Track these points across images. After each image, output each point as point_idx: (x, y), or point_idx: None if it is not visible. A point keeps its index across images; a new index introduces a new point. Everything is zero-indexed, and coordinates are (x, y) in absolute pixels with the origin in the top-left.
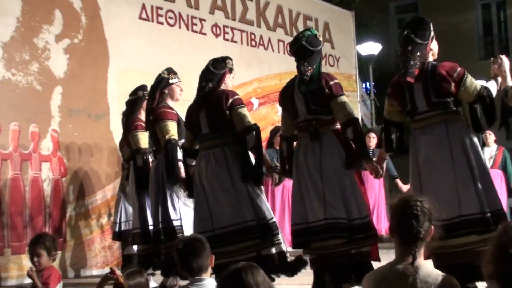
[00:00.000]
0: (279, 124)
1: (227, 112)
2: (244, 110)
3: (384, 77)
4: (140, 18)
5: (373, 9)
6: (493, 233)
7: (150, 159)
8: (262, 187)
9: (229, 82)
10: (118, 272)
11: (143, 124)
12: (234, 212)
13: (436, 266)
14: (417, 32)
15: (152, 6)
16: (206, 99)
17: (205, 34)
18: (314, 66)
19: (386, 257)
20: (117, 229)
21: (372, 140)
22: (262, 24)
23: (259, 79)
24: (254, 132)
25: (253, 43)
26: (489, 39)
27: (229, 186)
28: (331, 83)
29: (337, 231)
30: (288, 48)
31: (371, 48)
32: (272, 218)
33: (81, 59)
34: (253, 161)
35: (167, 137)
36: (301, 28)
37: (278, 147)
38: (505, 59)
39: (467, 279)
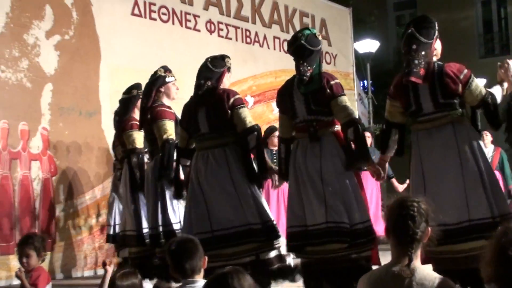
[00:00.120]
0: (274, 123)
1: (229, 111)
2: (245, 110)
3: (382, 75)
4: (133, 14)
5: (371, 5)
6: None
7: (146, 160)
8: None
9: (227, 82)
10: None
11: (138, 124)
12: (235, 214)
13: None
14: (421, 30)
15: (144, 2)
16: (205, 98)
17: (199, 30)
18: (314, 66)
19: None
20: (111, 232)
21: (367, 140)
22: (257, 21)
23: (254, 77)
24: (255, 133)
25: (248, 40)
26: (489, 37)
27: (230, 187)
28: (332, 82)
29: (339, 235)
30: (286, 47)
31: (369, 45)
32: (273, 220)
33: (72, 55)
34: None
35: (165, 136)
36: (297, 25)
37: (272, 148)
38: None
39: (471, 285)
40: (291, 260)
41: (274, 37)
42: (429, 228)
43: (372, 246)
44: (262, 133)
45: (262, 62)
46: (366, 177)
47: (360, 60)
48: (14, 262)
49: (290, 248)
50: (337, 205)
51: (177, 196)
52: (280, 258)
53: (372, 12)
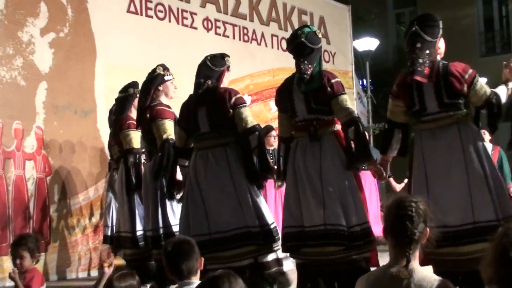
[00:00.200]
0: (272, 122)
1: (230, 111)
2: (247, 110)
3: (381, 73)
4: (129, 11)
5: (370, 3)
6: None
7: (143, 160)
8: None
9: (226, 81)
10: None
11: (135, 123)
12: (234, 216)
13: (437, 272)
14: (426, 29)
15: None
16: (206, 97)
17: (196, 28)
18: (314, 64)
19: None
20: (109, 233)
21: None
22: (255, 18)
23: (252, 75)
24: (257, 133)
25: (246, 38)
26: (490, 35)
27: (230, 188)
28: (333, 81)
29: (336, 238)
30: (286, 45)
31: (368, 43)
32: (273, 223)
33: (67, 53)
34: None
35: (164, 136)
36: (295, 23)
37: (268, 147)
38: None
39: (472, 287)
40: (290, 264)
41: (272, 35)
42: (428, 229)
43: (370, 248)
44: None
45: (260, 61)
46: (364, 177)
47: (359, 58)
48: (7, 263)
49: (285, 249)
50: (335, 207)
51: (169, 197)
52: (278, 261)
53: (371, 10)
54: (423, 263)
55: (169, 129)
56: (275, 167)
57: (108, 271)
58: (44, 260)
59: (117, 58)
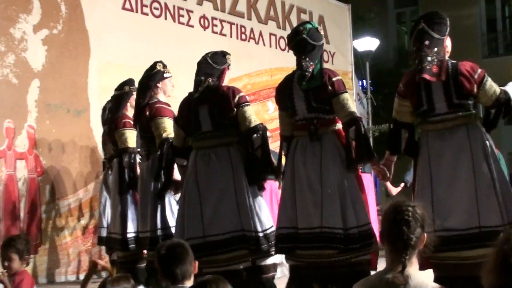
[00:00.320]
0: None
1: (234, 109)
2: (250, 109)
3: (381, 74)
4: (124, 8)
5: (370, 2)
6: None
7: (138, 160)
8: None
9: (226, 79)
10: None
11: (131, 122)
12: (230, 219)
13: (439, 277)
14: (433, 26)
15: None
16: (208, 96)
17: (192, 26)
18: (316, 62)
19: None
20: (104, 234)
21: None
22: (253, 17)
23: (249, 75)
24: (260, 132)
25: (243, 36)
26: (493, 36)
27: (231, 190)
28: (334, 79)
29: (331, 241)
30: (287, 42)
31: (368, 43)
32: (271, 227)
33: (60, 51)
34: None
35: (164, 135)
36: (294, 22)
37: None
38: None
39: None
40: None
41: (270, 34)
42: (425, 234)
43: (369, 251)
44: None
45: (258, 60)
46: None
47: (359, 58)
48: None
49: (280, 250)
50: (333, 209)
51: (159, 196)
52: (275, 266)
53: (372, 9)
54: (423, 266)
55: (169, 128)
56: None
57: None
58: (34, 263)
59: (111, 56)
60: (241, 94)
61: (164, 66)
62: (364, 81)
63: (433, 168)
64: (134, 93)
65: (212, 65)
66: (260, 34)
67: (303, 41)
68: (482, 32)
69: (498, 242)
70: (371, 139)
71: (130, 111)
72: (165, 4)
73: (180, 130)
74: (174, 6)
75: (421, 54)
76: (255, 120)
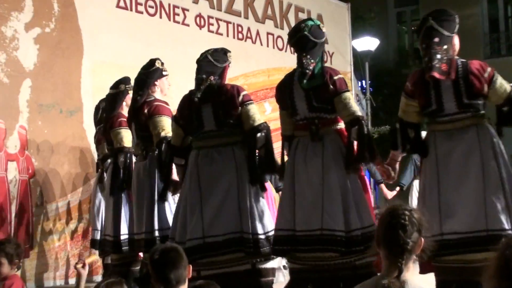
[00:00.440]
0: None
1: (239, 108)
2: (254, 107)
3: (381, 75)
4: (118, 6)
5: (370, 1)
6: None
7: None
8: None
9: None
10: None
11: (126, 121)
12: (231, 220)
13: (441, 281)
14: (442, 23)
15: None
16: (211, 94)
17: (188, 25)
18: (317, 60)
19: None
20: (98, 237)
21: None
22: (250, 16)
23: (246, 75)
24: (265, 131)
25: (240, 36)
26: (495, 36)
27: (234, 190)
28: (336, 78)
29: (332, 244)
30: (288, 39)
31: (368, 43)
32: (268, 233)
33: (52, 50)
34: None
35: (162, 133)
36: (292, 21)
37: None
38: None
39: None
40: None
41: (268, 33)
42: (422, 239)
43: (374, 253)
44: None
45: (254, 60)
46: None
47: (358, 59)
48: None
49: (277, 252)
50: (335, 211)
51: (162, 198)
52: (273, 271)
53: (371, 8)
54: (424, 270)
55: (167, 127)
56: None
57: (84, 271)
58: (23, 267)
59: (105, 55)
60: (245, 92)
61: (162, 63)
62: (364, 81)
63: (441, 169)
64: (130, 92)
65: (213, 63)
66: (257, 33)
67: (304, 38)
68: (484, 32)
69: (500, 247)
70: None
71: (125, 110)
72: (160, 2)
73: (179, 129)
74: (169, 5)
75: (430, 51)
76: (259, 119)
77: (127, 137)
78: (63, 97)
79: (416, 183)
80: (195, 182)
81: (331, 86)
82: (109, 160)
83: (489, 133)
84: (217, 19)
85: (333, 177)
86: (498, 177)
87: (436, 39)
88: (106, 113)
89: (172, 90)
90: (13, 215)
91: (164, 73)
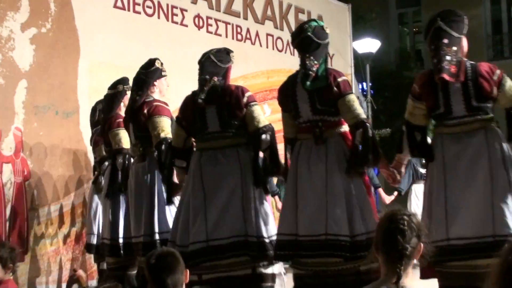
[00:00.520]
0: None
1: (244, 109)
2: (259, 108)
3: (382, 77)
4: (115, 6)
5: (371, 2)
6: None
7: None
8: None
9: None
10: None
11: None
12: (235, 223)
13: (444, 286)
14: (451, 24)
15: None
16: (215, 95)
17: (186, 26)
18: (320, 61)
19: None
20: (94, 241)
21: None
22: (249, 16)
23: (245, 77)
24: (270, 133)
25: (239, 36)
26: (498, 38)
27: (238, 192)
28: (340, 80)
29: (336, 249)
30: (291, 40)
31: (369, 45)
32: (272, 237)
33: (49, 50)
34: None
35: (162, 134)
36: (292, 22)
37: None
38: None
39: None
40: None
41: (267, 34)
42: (421, 244)
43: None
44: None
45: (254, 61)
46: None
47: (359, 60)
48: None
49: (279, 257)
50: (339, 215)
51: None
52: (273, 277)
53: (373, 9)
54: (425, 275)
55: (167, 128)
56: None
57: (83, 274)
58: (22, 271)
59: (102, 56)
60: (249, 93)
61: (162, 64)
62: (364, 84)
63: (448, 173)
64: (128, 92)
65: (216, 63)
66: (257, 34)
67: (307, 39)
68: (487, 34)
69: (502, 253)
70: None
71: (124, 111)
72: (158, 2)
73: (181, 130)
74: (167, 5)
75: (439, 53)
76: (263, 120)
77: (125, 138)
78: (59, 98)
79: (414, 187)
80: (199, 184)
81: (335, 88)
82: (106, 163)
83: (497, 137)
84: (216, 20)
85: (337, 181)
86: (506, 181)
87: (445, 40)
88: (104, 114)
89: (170, 91)
90: (7, 218)
91: (163, 73)
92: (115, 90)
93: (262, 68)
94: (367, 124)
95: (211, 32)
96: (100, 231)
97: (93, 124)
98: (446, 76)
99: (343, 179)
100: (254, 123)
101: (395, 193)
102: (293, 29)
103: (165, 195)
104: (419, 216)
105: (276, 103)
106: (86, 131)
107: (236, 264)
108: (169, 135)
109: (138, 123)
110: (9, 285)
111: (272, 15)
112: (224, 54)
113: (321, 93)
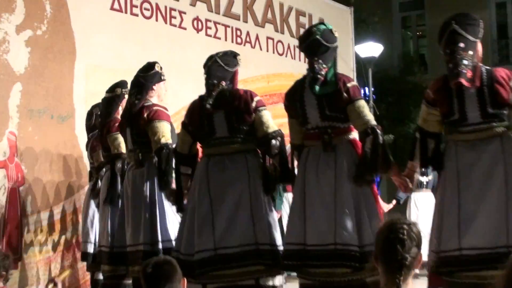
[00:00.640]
0: None
1: (253, 114)
2: (267, 113)
3: (385, 82)
4: (112, 8)
5: (374, 5)
6: None
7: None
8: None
9: None
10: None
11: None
12: (244, 231)
13: None
14: (466, 27)
15: None
16: (223, 100)
17: (185, 28)
18: (329, 65)
19: None
20: (92, 250)
21: None
22: (249, 19)
23: (245, 81)
24: (279, 138)
25: (239, 40)
26: (504, 43)
27: (246, 199)
28: (349, 85)
29: (345, 259)
30: (298, 43)
31: (372, 49)
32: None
33: (44, 53)
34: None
35: (163, 140)
36: (293, 25)
37: None
38: None
39: None
40: None
41: (267, 38)
42: (422, 254)
43: None
44: None
45: (254, 65)
46: None
47: (361, 65)
48: None
49: (286, 267)
50: (348, 224)
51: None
52: None
53: (375, 13)
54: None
55: (167, 133)
56: None
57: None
58: (15, 279)
59: (98, 59)
60: (258, 98)
61: (161, 68)
62: (367, 89)
63: (462, 181)
64: (127, 96)
65: (223, 67)
66: (257, 37)
67: (315, 42)
68: (492, 38)
69: (508, 265)
70: None
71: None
72: (156, 4)
73: (187, 136)
74: (165, 7)
75: (455, 57)
76: (273, 126)
77: (124, 143)
78: (55, 102)
79: (414, 196)
80: (205, 190)
81: (345, 94)
82: (104, 169)
83: None
84: (215, 23)
85: (346, 190)
86: None
87: (462, 44)
88: (101, 118)
89: (168, 95)
90: (1, 224)
91: (162, 77)
92: (113, 94)
93: (262, 72)
94: (378, 131)
95: (210, 35)
96: (97, 238)
97: (89, 128)
98: (463, 81)
99: (353, 188)
100: (263, 128)
101: (394, 201)
102: (294, 32)
103: (165, 202)
104: (419, 225)
105: (277, 108)
106: (81, 136)
107: (244, 274)
108: (170, 141)
109: (136, 128)
110: None
111: (273, 18)
112: (231, 58)
113: (330, 99)
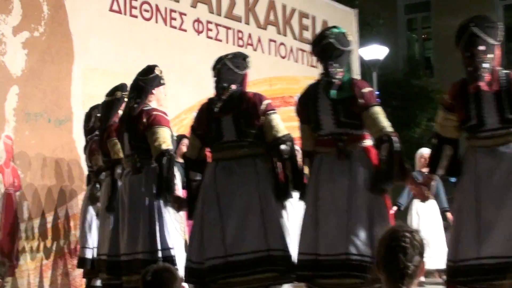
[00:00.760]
0: None
1: (262, 118)
2: (278, 117)
3: (390, 85)
4: (111, 10)
5: (379, 7)
6: None
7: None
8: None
9: None
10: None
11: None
12: (255, 237)
13: None
14: (486, 30)
15: None
16: (232, 103)
17: (185, 30)
18: (345, 69)
19: None
20: (88, 255)
21: None
22: (251, 21)
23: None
24: (289, 143)
25: (240, 42)
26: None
27: (256, 205)
28: (365, 91)
29: (358, 269)
30: (311, 47)
31: (376, 52)
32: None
33: (41, 55)
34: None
35: (164, 146)
36: (295, 27)
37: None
38: None
39: None
40: None
41: (270, 40)
42: (424, 262)
43: None
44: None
45: (256, 68)
46: None
47: (366, 68)
48: None
49: (300, 278)
50: (361, 234)
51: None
52: None
53: (380, 15)
54: None
55: (168, 139)
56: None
57: None
58: (12, 285)
59: (96, 62)
60: (268, 101)
61: (161, 71)
62: None
63: (482, 188)
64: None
65: (233, 70)
66: (259, 40)
67: (330, 46)
68: None
69: None
70: None
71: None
72: (156, 6)
73: (196, 140)
74: (165, 9)
75: (475, 60)
76: (283, 130)
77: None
78: (52, 105)
79: (416, 202)
80: (213, 196)
81: (360, 100)
82: (104, 174)
83: None
84: (216, 25)
85: (360, 199)
86: None
87: (482, 47)
88: (101, 122)
89: (167, 99)
90: None
91: (162, 81)
92: (113, 97)
93: (264, 75)
94: (394, 138)
95: (211, 37)
96: (95, 244)
97: (87, 131)
98: (482, 85)
99: (367, 197)
100: (273, 132)
101: (394, 208)
102: (297, 34)
103: (163, 210)
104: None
105: (279, 112)
106: (79, 140)
107: (255, 281)
108: (171, 147)
109: (135, 133)
110: None
111: (275, 20)
112: (240, 60)
113: (345, 105)
